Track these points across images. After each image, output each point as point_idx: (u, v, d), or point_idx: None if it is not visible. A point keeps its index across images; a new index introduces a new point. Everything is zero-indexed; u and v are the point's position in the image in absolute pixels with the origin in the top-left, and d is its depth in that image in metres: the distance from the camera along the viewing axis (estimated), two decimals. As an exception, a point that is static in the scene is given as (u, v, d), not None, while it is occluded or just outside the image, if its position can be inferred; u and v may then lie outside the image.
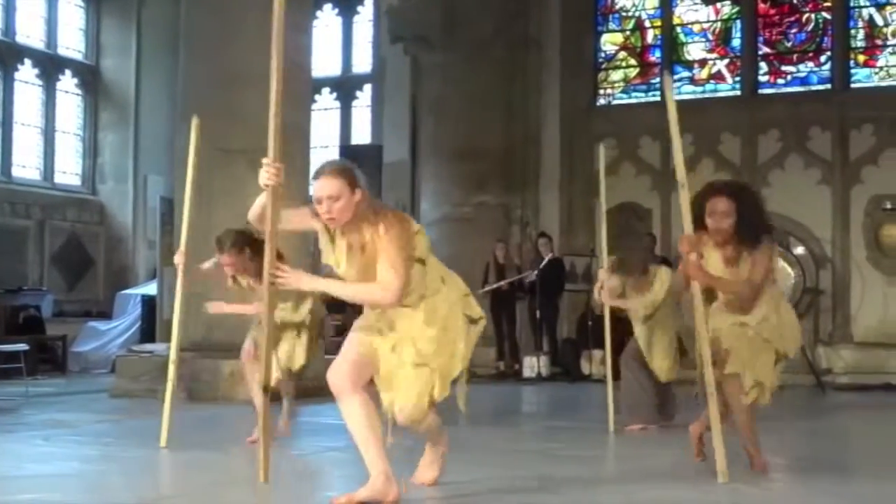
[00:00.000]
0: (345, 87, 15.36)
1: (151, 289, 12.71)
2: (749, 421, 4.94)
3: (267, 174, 3.93)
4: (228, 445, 6.37)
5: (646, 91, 13.90)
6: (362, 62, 15.40)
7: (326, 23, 15.29)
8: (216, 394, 8.52)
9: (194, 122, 6.05)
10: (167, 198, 11.53)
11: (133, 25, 14.99)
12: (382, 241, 3.85)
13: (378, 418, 4.00)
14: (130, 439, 6.30)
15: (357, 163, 9.12)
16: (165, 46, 13.92)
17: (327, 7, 15.33)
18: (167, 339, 9.88)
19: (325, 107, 15.15)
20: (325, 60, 14.83)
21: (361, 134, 15.12)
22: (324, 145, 14.57)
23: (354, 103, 15.36)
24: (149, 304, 12.64)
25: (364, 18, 15.44)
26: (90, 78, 15.02)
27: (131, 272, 14.70)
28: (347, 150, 13.74)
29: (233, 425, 7.48)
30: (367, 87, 15.20)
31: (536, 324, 12.08)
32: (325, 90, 15.17)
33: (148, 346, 10.32)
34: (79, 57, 15.01)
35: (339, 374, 3.99)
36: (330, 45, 15.26)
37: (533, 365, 11.64)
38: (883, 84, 12.76)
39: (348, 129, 15.30)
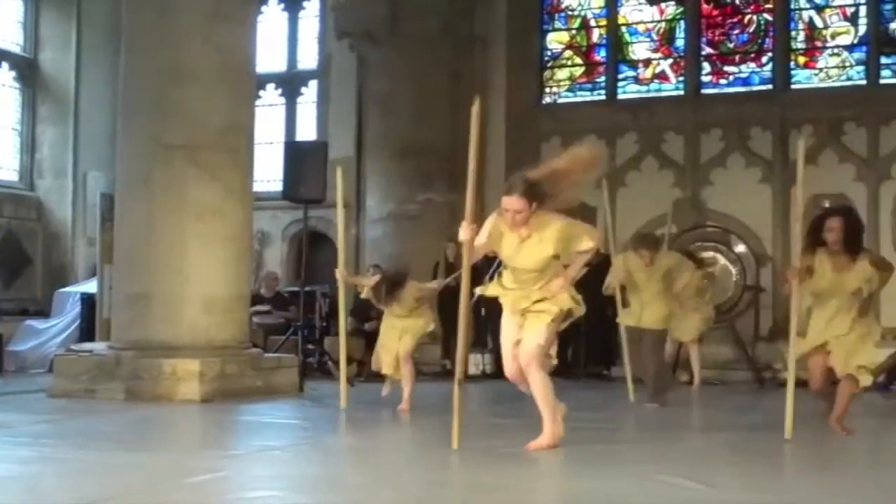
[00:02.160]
0: (290, 83, 15.22)
1: (91, 287, 12.48)
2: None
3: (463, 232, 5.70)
4: (169, 445, 6.29)
5: (591, 90, 13.98)
6: (308, 58, 15.28)
7: (272, 18, 15.15)
8: (156, 393, 8.41)
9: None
10: (107, 194, 11.33)
11: (73, 18, 14.69)
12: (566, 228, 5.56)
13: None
14: (69, 440, 6.17)
15: (302, 159, 9.25)
16: (106, 40, 13.67)
17: (273, 2, 15.19)
18: (107, 338, 9.74)
19: (270, 103, 15.02)
20: (270, 56, 14.69)
21: (307, 130, 15.00)
22: (268, 141, 14.43)
23: (300, 99, 15.23)
24: (88, 302, 12.40)
25: (310, 14, 15.31)
26: (28, 71, 14.71)
27: (70, 270, 14.43)
28: (292, 146, 13.61)
29: (173, 425, 7.39)
30: (313, 83, 15.09)
31: (482, 321, 12.08)
32: (270, 86, 15.03)
33: (87, 345, 10.13)
34: (17, 50, 14.67)
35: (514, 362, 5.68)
36: (275, 40, 15.13)
37: (478, 363, 11.67)
38: (822, 85, 12.98)
39: (293, 125, 15.18)
